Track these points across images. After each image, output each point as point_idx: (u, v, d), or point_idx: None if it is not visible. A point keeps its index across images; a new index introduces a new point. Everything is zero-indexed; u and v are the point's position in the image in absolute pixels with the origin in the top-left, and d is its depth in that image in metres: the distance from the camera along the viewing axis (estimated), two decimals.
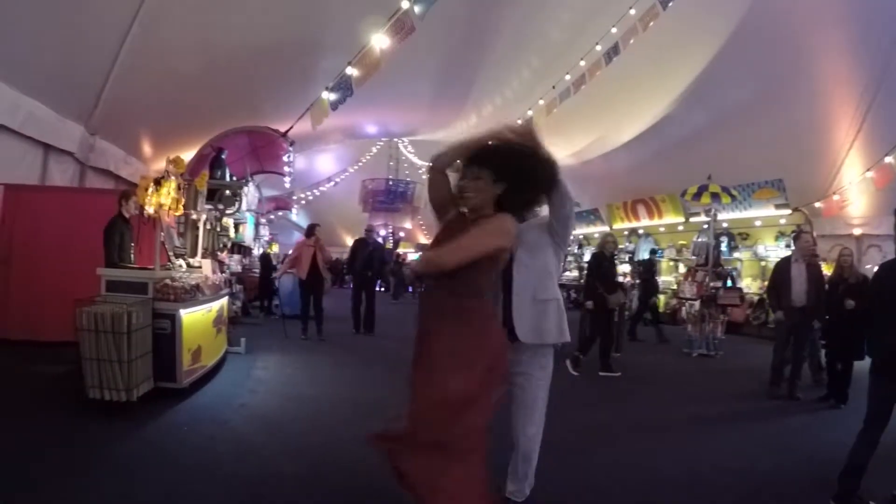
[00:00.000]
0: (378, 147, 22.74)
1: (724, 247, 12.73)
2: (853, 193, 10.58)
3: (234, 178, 7.45)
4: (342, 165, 23.85)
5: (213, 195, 7.05)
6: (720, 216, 12.19)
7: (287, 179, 10.82)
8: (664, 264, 14.77)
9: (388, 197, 23.99)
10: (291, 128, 8.04)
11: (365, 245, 9.41)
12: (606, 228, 17.00)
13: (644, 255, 15.31)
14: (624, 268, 13.14)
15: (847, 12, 8.30)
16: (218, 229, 7.70)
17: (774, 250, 11.99)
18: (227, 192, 7.19)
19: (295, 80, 8.69)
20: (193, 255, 6.25)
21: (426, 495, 2.10)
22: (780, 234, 12.24)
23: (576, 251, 17.47)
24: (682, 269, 13.13)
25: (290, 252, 9.64)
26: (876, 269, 4.16)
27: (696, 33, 9.69)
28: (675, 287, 12.25)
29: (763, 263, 12.31)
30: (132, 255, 5.53)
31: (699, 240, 11.46)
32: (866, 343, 4.51)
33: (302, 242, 8.68)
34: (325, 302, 8.66)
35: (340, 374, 6.36)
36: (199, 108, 8.64)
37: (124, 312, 4.06)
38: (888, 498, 3.22)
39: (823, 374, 6.42)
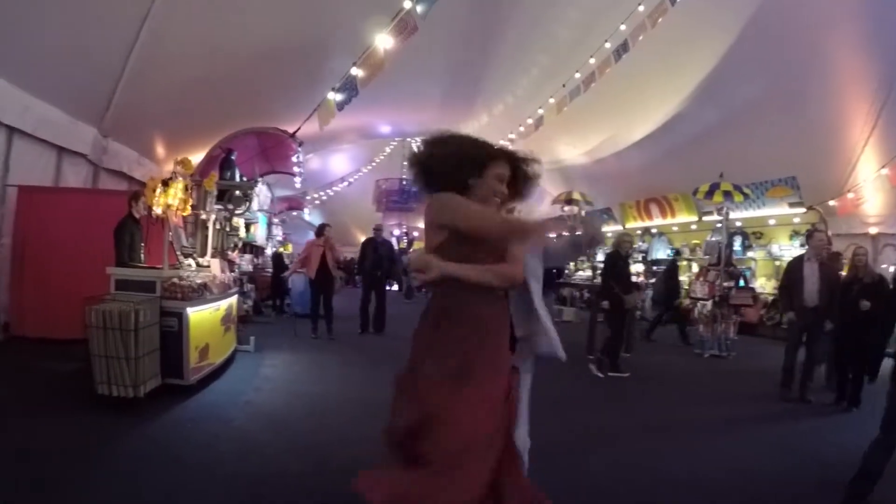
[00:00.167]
0: (392, 147, 22.80)
1: (737, 246, 12.59)
2: (868, 191, 10.37)
3: (244, 179, 7.52)
4: (356, 165, 23.97)
5: (223, 196, 7.13)
6: (734, 215, 12.05)
7: (297, 179, 10.89)
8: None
9: (401, 197, 24.10)
10: (299, 128, 8.10)
11: (374, 244, 9.44)
12: (619, 228, 16.88)
13: (658, 254, 15.21)
14: (637, 267, 13.02)
15: (860, 7, 8.14)
16: (227, 229, 7.79)
17: (789, 249, 11.81)
18: (237, 192, 7.27)
19: (302, 82, 8.75)
20: (203, 254, 6.34)
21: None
22: (795, 233, 12.05)
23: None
24: (694, 268, 12.98)
25: (300, 252, 9.73)
26: (893, 269, 4.06)
27: (706, 29, 9.57)
28: (687, 287, 12.11)
29: (777, 263, 12.12)
30: (142, 255, 5.61)
31: (712, 239, 11.35)
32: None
33: (311, 242, 8.75)
34: (336, 301, 8.70)
35: (349, 373, 6.38)
36: (209, 111, 8.75)
37: (131, 310, 4.13)
38: None
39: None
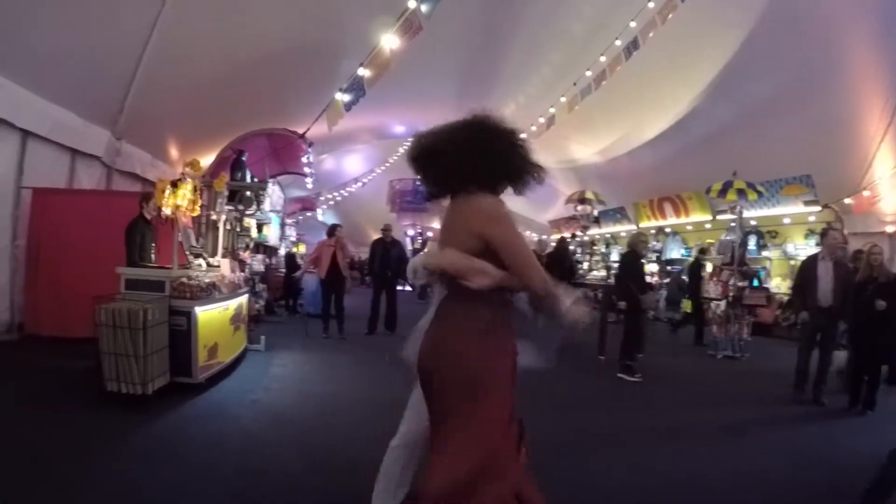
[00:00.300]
0: (405, 147, 22.76)
1: (752, 245, 12.40)
2: (885, 188, 10.14)
3: (255, 180, 7.59)
4: (369, 166, 24.02)
5: (233, 196, 7.21)
6: (748, 214, 11.88)
7: (308, 180, 10.96)
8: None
9: (415, 197, 24.02)
10: (308, 129, 8.16)
11: (383, 245, 9.44)
12: (633, 227, 16.74)
13: (672, 253, 15.04)
14: (651, 267, 12.88)
15: (874, 1, 7.98)
16: (238, 229, 7.87)
17: (804, 249, 11.59)
18: (247, 193, 7.35)
19: (311, 83, 8.82)
20: (214, 254, 6.41)
21: None
22: (810, 232, 11.82)
23: (603, 250, 17.21)
24: (708, 268, 12.84)
25: (311, 252, 9.78)
26: None
27: (716, 25, 9.44)
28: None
29: (792, 262, 11.89)
30: (152, 255, 5.69)
31: (726, 238, 11.18)
32: None
33: (322, 242, 8.79)
34: (347, 301, 8.73)
35: (359, 373, 6.39)
36: (220, 112, 8.85)
37: (140, 309, 4.19)
38: None
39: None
